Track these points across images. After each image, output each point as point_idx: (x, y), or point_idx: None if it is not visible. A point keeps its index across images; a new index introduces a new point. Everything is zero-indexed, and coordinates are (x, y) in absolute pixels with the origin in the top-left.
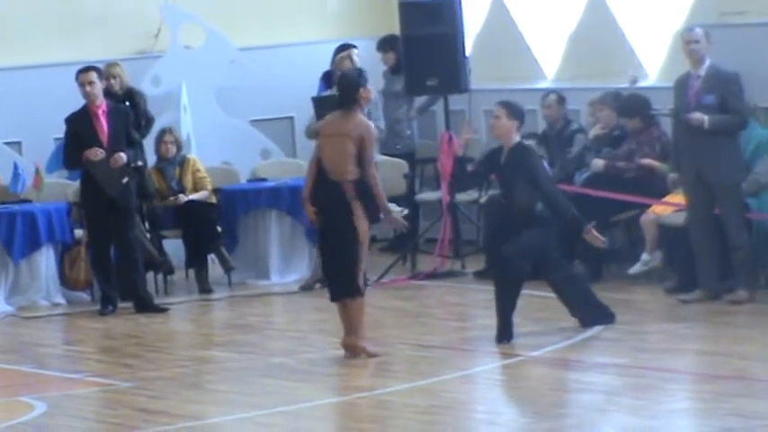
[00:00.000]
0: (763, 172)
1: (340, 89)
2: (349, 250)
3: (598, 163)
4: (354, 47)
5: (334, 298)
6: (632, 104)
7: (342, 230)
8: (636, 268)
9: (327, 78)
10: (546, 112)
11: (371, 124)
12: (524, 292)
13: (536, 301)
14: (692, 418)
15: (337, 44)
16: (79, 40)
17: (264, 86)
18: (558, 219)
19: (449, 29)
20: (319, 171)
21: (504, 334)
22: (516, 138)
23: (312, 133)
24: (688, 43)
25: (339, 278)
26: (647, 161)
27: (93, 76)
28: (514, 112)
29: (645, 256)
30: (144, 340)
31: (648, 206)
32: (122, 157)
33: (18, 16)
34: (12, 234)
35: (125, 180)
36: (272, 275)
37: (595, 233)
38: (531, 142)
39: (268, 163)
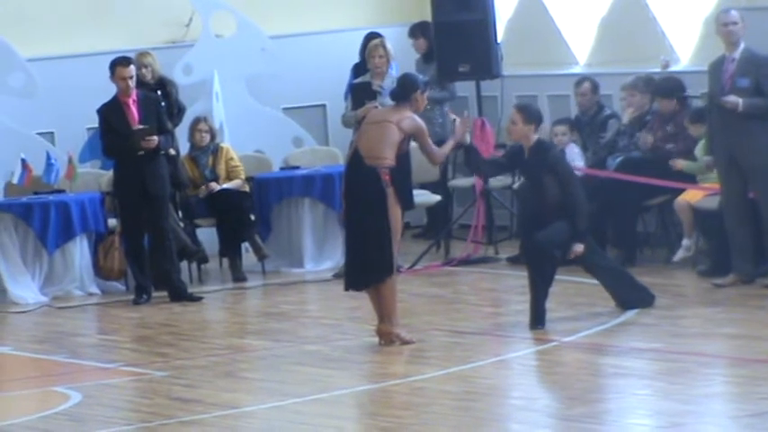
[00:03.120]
0: None
1: (399, 84)
2: (380, 236)
3: (648, 139)
4: (381, 36)
5: (350, 286)
6: (669, 86)
7: (375, 217)
8: (679, 255)
9: (357, 70)
10: (580, 100)
11: (418, 119)
12: (559, 277)
13: (570, 286)
14: (726, 403)
15: (368, 31)
16: (111, 30)
17: (296, 74)
18: (571, 214)
19: (480, 15)
20: (354, 158)
21: (537, 320)
22: (534, 137)
23: (349, 121)
24: (725, 25)
25: (363, 265)
26: (677, 163)
27: (133, 69)
28: (530, 116)
29: (685, 242)
30: (178, 329)
31: (682, 190)
32: (154, 140)
33: (49, 6)
34: (46, 224)
35: (141, 153)
36: (305, 263)
37: (577, 252)
38: (563, 128)
39: (300, 151)
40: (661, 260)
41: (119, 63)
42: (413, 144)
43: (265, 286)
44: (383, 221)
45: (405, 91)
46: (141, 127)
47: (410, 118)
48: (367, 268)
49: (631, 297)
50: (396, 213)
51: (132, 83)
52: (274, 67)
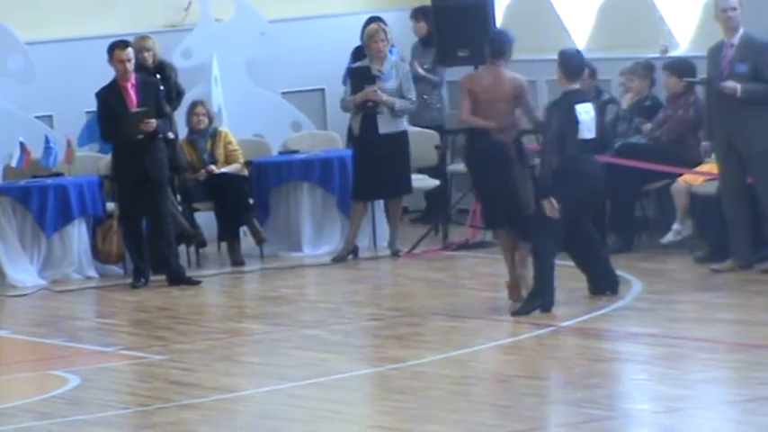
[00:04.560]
0: None
1: (498, 41)
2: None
3: (647, 127)
4: (380, 19)
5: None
6: (683, 66)
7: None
8: (668, 238)
9: (357, 53)
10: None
11: (520, 77)
12: (556, 261)
13: (567, 271)
14: (724, 388)
15: (368, 16)
16: (110, 14)
17: (295, 58)
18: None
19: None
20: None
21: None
22: (567, 87)
23: (348, 105)
24: (724, 11)
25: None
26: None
27: (131, 53)
28: (569, 73)
29: (676, 226)
30: (176, 313)
31: (680, 175)
32: (153, 122)
33: None
34: (44, 208)
35: (140, 137)
36: (304, 247)
37: (551, 206)
38: None
39: (299, 135)
40: (659, 245)
41: (117, 46)
42: (410, 129)
43: (263, 270)
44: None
45: (504, 47)
46: (138, 110)
47: (512, 83)
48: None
49: (599, 282)
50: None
51: (130, 66)
52: (273, 52)
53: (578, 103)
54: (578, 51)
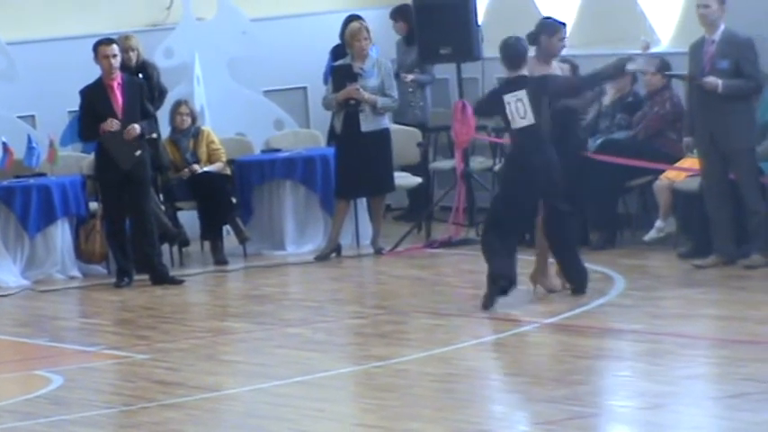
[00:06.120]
0: None
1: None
2: None
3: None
4: (360, 18)
5: None
6: (663, 62)
7: None
8: (650, 235)
9: (336, 52)
10: None
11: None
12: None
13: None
14: (707, 384)
15: (348, 14)
16: (91, 13)
17: (277, 57)
18: None
19: None
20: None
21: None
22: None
23: (330, 103)
24: (698, 7)
25: None
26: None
27: (116, 48)
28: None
29: (659, 223)
30: (160, 312)
31: (662, 171)
32: (136, 128)
33: None
34: (27, 208)
35: (138, 153)
36: (287, 246)
37: None
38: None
39: (282, 133)
40: (641, 242)
41: (102, 42)
42: (393, 127)
43: (247, 269)
44: None
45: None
46: (113, 128)
47: None
48: None
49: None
50: None
51: (116, 62)
52: (255, 50)
53: (508, 92)
54: (519, 38)
